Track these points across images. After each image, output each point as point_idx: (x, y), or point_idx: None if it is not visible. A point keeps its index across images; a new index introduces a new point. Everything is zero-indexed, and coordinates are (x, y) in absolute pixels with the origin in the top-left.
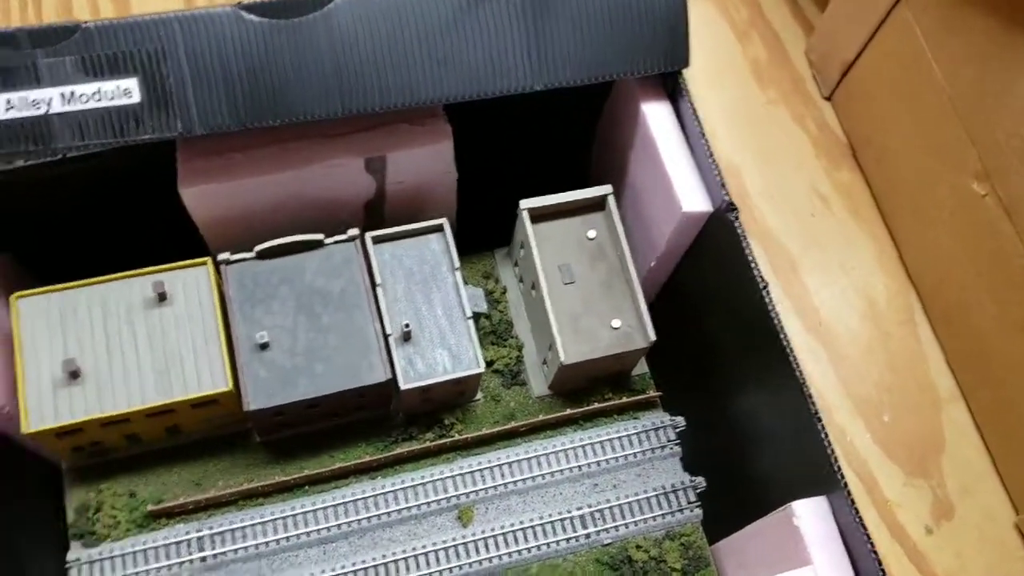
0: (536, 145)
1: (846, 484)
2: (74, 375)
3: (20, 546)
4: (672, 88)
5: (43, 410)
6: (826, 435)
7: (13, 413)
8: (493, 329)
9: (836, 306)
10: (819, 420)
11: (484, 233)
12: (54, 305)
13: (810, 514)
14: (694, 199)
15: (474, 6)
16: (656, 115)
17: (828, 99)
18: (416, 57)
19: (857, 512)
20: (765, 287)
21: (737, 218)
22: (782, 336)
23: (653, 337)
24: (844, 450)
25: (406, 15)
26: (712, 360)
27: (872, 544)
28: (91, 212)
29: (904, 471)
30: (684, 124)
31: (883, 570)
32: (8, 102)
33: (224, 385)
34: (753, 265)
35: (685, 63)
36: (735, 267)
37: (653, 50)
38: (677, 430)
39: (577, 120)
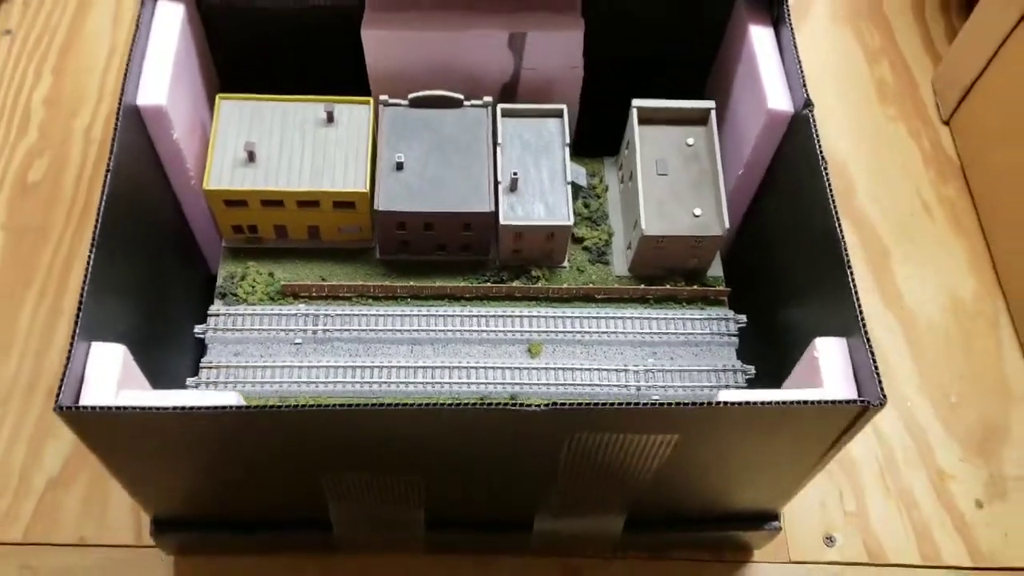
0: (657, 61)
1: (867, 333)
2: (251, 156)
3: (177, 300)
4: (776, 14)
5: (222, 176)
6: (854, 284)
7: (198, 188)
8: (590, 216)
9: (920, 296)
10: (850, 268)
11: (599, 141)
12: (247, 108)
13: (827, 349)
14: (779, 98)
15: None
16: (759, 33)
17: (946, 123)
18: None
19: (869, 343)
20: (828, 179)
21: (812, 112)
22: (837, 228)
23: (727, 226)
24: (902, 412)
25: None
26: (774, 269)
27: (877, 368)
28: (287, 48)
29: (962, 447)
30: (781, 44)
31: (882, 390)
32: None
33: (363, 187)
34: (822, 163)
35: None
36: (808, 173)
37: None
38: (738, 325)
39: (698, 41)
